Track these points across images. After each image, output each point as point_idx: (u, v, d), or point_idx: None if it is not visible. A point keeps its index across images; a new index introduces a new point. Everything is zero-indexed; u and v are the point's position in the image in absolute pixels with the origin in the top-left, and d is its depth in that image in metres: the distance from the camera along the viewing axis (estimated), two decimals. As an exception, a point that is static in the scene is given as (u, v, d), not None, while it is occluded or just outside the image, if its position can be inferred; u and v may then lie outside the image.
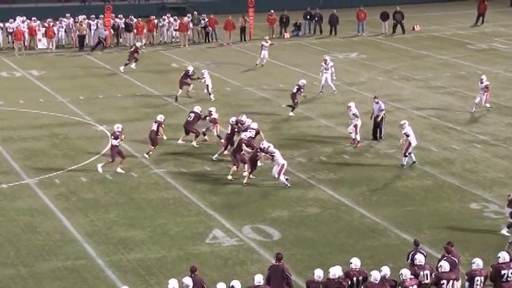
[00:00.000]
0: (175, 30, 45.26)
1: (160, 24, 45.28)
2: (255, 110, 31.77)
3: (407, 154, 25.24)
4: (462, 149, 26.95)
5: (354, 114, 27.27)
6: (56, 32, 43.48)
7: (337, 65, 38.07)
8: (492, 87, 34.83)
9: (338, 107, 32.15)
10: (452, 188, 23.62)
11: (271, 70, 37.39)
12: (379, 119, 27.61)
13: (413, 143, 25.19)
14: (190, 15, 46.23)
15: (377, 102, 27.75)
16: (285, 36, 46.94)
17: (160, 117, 26.21)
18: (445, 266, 16.06)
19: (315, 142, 27.67)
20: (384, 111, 27.75)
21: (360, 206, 22.38)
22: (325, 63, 33.58)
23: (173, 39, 45.41)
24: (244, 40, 45.88)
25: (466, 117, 30.48)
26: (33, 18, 43.94)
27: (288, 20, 47.42)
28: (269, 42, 39.00)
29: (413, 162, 25.35)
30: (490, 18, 50.79)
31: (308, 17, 48.24)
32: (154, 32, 44.91)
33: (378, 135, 27.86)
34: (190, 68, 33.42)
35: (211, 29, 45.84)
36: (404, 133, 25.27)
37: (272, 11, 47.49)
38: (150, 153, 25.84)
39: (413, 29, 48.89)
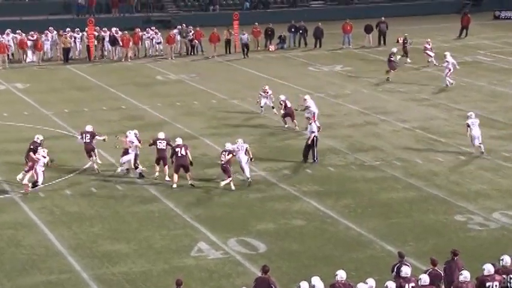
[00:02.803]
0: (157, 43, 45.23)
1: (144, 36, 45.30)
2: (240, 122, 31.79)
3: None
4: (447, 161, 27.05)
5: (306, 106, 29.43)
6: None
7: (322, 78, 38.27)
8: (476, 99, 35.14)
9: (323, 119, 32.18)
10: (437, 200, 23.69)
11: (256, 83, 37.41)
12: (309, 141, 26.77)
13: None
14: (180, 27, 46.35)
15: (310, 124, 27.10)
16: (270, 49, 47.05)
17: (129, 132, 25.52)
18: (424, 279, 16.06)
19: (301, 154, 27.65)
20: (314, 134, 26.65)
21: (345, 218, 22.40)
22: (264, 92, 32.30)
23: (157, 52, 45.43)
24: (229, 53, 45.95)
25: (451, 130, 30.60)
26: (17, 31, 43.83)
27: (273, 33, 47.57)
28: (269, 91, 32.90)
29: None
30: (474, 31, 51.10)
31: (293, 29, 48.40)
32: (140, 45, 44.93)
33: (312, 157, 26.81)
34: None
35: (197, 41, 45.91)
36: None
37: (256, 23, 47.64)
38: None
39: (398, 41, 49.01)
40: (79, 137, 26.41)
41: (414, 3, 61.34)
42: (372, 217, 22.45)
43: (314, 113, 28.91)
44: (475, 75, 39.85)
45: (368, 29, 48.42)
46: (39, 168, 24.24)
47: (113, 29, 44.30)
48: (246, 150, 24.90)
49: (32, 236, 21.16)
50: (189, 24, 47.15)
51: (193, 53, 45.83)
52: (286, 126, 30.72)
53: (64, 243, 20.71)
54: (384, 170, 26.10)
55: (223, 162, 24.22)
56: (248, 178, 24.73)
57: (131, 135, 25.55)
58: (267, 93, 32.37)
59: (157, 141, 25.20)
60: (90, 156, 25.80)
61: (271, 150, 28.10)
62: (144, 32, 45.39)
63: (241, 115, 32.98)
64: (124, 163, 25.51)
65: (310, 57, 45.39)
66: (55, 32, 44.33)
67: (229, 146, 24.74)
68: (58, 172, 25.78)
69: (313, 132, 26.86)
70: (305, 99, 30.13)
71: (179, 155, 24.49)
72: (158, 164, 25.28)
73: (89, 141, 25.79)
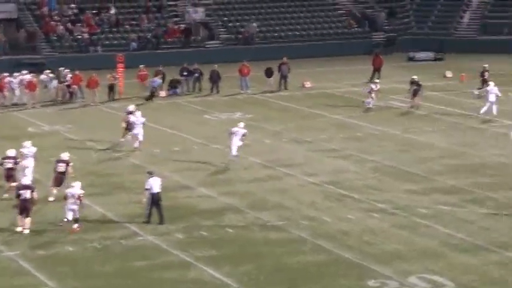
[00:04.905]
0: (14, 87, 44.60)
1: (13, 82, 44.59)
2: (125, 178, 31.45)
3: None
4: (359, 219, 27.33)
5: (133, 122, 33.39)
6: None
7: (220, 127, 38.35)
8: (390, 149, 35.86)
9: (219, 173, 32.19)
10: (349, 263, 23.84)
11: (144, 133, 37.09)
12: (144, 199, 26.56)
13: None
14: (56, 70, 45.89)
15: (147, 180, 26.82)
16: (161, 95, 46.98)
17: None
18: None
19: (195, 214, 27.49)
20: (149, 190, 26.27)
21: (246, 286, 22.25)
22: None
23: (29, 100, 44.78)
24: (113, 99, 45.64)
25: (363, 184, 31.04)
26: None
27: (164, 77, 47.57)
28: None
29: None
30: (387, 74, 52.40)
31: (186, 73, 48.53)
32: (6, 92, 44.16)
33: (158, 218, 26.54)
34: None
35: (75, 87, 45.47)
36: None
37: (141, 66, 47.55)
38: None
39: (304, 85, 49.89)
40: None
41: (321, 43, 62.66)
42: (276, 285, 22.37)
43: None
44: (389, 123, 40.73)
45: (268, 73, 49.05)
46: None
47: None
48: None
49: None
50: (66, 67, 46.70)
51: (71, 99, 45.36)
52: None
53: None
54: (289, 231, 26.14)
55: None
56: None
57: None
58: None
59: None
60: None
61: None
62: (12, 78, 44.65)
63: (126, 169, 32.64)
64: None
65: (206, 103, 45.54)
66: None
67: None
68: None
69: (148, 189, 26.64)
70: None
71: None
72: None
73: None
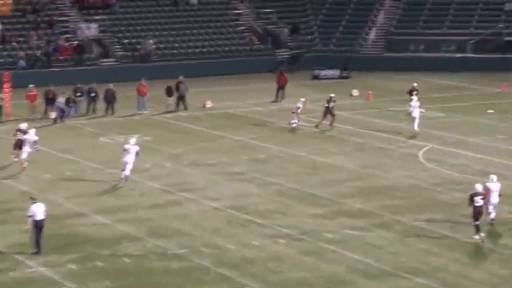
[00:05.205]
0: None
1: None
2: (12, 205, 30.97)
3: None
4: (263, 246, 27.48)
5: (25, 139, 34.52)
6: None
7: (116, 150, 38.07)
8: (295, 172, 36.22)
9: (116, 199, 32.00)
10: (253, 292, 23.98)
11: (33, 157, 36.59)
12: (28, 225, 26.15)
13: None
14: None
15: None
16: (52, 116, 46.41)
17: None
18: None
19: (89, 243, 27.22)
20: (32, 217, 25.93)
21: (145, 319, 22.16)
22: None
23: None
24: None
25: (267, 208, 31.24)
26: None
27: (55, 97, 47.05)
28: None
29: None
30: (291, 93, 52.92)
31: (79, 93, 48.11)
32: None
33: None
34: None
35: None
36: None
37: (31, 85, 46.93)
38: None
39: (205, 105, 50.03)
40: None
41: (222, 60, 63.00)
42: (176, 317, 22.33)
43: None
44: (294, 144, 41.13)
45: (169, 92, 49.04)
46: None
47: None
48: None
49: None
50: None
51: None
52: None
53: None
54: (190, 259, 26.12)
55: None
56: None
57: None
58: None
59: None
60: None
61: (53, 240, 27.38)
62: None
63: (15, 197, 32.13)
64: None
65: (100, 125, 45.22)
66: None
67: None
68: None
69: (31, 216, 26.24)
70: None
71: None
72: None
73: None
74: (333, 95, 45.02)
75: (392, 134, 42.85)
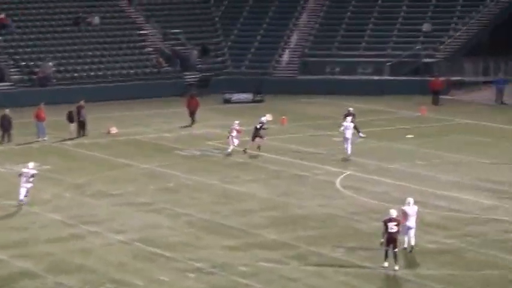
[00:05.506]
0: None
1: None
2: None
3: None
4: (173, 281, 27.30)
5: None
6: None
7: (13, 180, 37.50)
8: (206, 202, 36.17)
9: (12, 234, 31.49)
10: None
11: None
12: None
13: None
14: None
15: None
16: None
17: None
18: None
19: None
20: None
21: None
22: None
23: None
24: None
25: (177, 240, 31.09)
26: None
27: None
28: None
29: None
30: (202, 117, 52.97)
31: (-27, 119, 47.40)
32: None
33: None
34: None
35: None
36: None
37: None
38: None
39: (109, 132, 49.69)
40: None
41: (127, 84, 62.74)
42: None
43: None
44: (204, 172, 41.09)
45: (71, 117, 48.61)
46: None
47: None
48: None
49: None
50: None
51: None
52: None
53: None
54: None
55: None
56: None
57: None
58: None
59: None
60: None
61: None
62: None
63: None
64: None
65: (-4, 153, 44.62)
66: None
67: None
68: None
69: None
70: None
71: None
72: None
73: None
74: (263, 118, 45.32)
75: (309, 161, 43.12)
